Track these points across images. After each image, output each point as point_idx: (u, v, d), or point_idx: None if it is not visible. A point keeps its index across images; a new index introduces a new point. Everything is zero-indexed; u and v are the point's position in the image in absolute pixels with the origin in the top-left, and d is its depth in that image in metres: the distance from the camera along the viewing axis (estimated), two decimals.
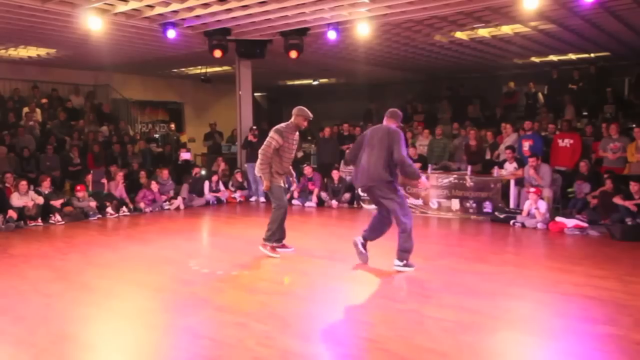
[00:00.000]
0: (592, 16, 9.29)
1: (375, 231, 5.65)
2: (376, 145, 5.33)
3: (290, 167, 6.23)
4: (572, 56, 13.21)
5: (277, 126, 6.01)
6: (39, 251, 6.71)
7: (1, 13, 8.21)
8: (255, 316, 4.18)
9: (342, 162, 10.04)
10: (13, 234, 7.98)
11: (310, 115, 6.06)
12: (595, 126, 10.78)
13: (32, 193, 8.79)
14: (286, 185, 6.38)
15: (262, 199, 11.20)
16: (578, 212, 8.27)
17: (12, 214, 8.29)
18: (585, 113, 12.17)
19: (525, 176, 8.69)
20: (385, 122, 5.60)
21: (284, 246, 6.26)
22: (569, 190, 8.76)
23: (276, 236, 6.14)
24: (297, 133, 6.15)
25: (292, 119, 6.04)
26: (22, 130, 11.16)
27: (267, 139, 5.97)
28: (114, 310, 4.44)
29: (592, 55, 12.92)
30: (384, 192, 5.36)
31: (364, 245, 5.65)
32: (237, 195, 11.37)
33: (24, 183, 8.73)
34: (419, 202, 9.57)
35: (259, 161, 5.96)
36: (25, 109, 12.10)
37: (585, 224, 7.61)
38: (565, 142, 9.34)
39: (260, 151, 5.97)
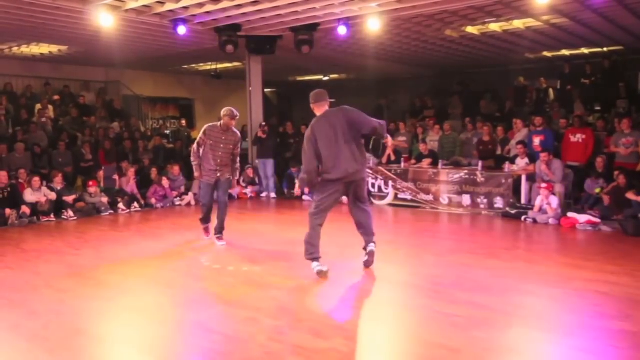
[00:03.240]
0: (606, 10, 9.17)
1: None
2: (342, 134, 4.89)
3: (225, 165, 6.56)
4: (585, 50, 13.06)
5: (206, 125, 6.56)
6: (52, 246, 6.78)
7: (13, 10, 8.28)
8: (267, 311, 4.19)
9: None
10: (26, 229, 8.07)
11: (236, 113, 6.45)
12: (607, 121, 10.65)
13: (45, 189, 8.89)
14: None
15: (273, 195, 11.24)
16: (590, 207, 8.19)
17: (25, 209, 8.39)
18: (598, 108, 12.02)
19: (537, 171, 8.62)
20: (321, 109, 5.08)
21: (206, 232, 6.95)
22: (597, 191, 8.42)
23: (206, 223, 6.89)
24: (231, 132, 6.49)
25: (222, 120, 6.47)
26: (34, 127, 11.26)
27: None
28: (126, 305, 4.48)
29: (605, 49, 12.76)
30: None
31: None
32: (248, 191, 11.39)
33: (37, 179, 8.83)
34: (430, 197, 9.54)
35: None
36: (38, 106, 12.21)
37: (598, 220, 7.52)
38: (577, 137, 9.23)
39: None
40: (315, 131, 4.97)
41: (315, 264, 5.08)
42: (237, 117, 6.48)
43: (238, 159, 6.71)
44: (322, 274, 5.02)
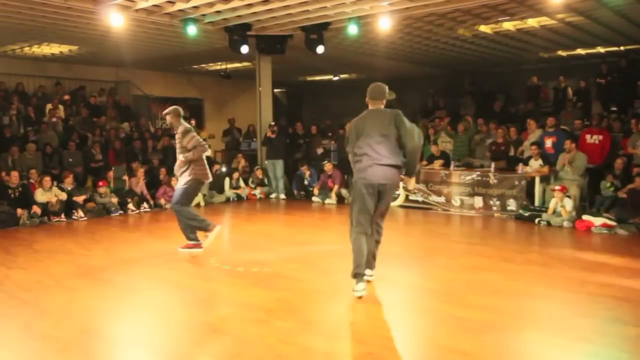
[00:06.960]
0: (622, 7, 9.04)
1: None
2: (380, 134, 4.52)
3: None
4: (601, 49, 12.87)
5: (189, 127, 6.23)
6: (63, 247, 6.80)
7: (25, 10, 8.33)
8: (277, 313, 4.15)
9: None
10: (37, 229, 8.11)
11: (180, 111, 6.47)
12: (623, 122, 10.47)
13: (55, 189, 8.93)
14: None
15: (282, 196, 11.20)
16: (606, 210, 8.06)
17: (36, 209, 8.44)
18: (614, 108, 11.81)
19: (557, 167, 8.52)
20: (373, 106, 4.73)
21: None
22: (609, 188, 8.34)
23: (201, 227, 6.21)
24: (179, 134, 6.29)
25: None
26: (45, 127, 11.32)
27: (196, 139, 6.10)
28: (136, 305, 4.48)
29: (622, 48, 12.58)
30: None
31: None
32: (258, 192, 11.38)
33: (47, 179, 8.88)
34: (441, 199, 9.45)
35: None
36: (49, 106, 12.27)
37: (614, 223, 7.40)
38: (593, 139, 9.08)
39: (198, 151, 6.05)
40: (353, 125, 4.74)
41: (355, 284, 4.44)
42: None
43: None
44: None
